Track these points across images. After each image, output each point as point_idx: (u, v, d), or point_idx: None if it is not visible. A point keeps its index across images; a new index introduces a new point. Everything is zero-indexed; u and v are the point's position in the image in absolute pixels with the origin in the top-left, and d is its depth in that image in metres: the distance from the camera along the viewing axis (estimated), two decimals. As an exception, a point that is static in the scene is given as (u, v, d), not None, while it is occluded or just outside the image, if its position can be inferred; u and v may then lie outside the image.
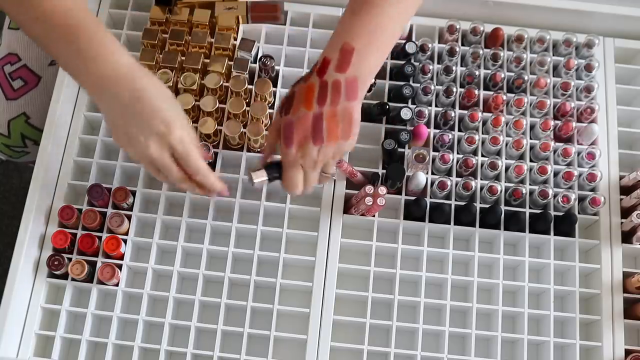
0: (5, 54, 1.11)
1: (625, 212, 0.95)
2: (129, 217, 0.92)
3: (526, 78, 0.99)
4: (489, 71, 1.00)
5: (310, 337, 0.88)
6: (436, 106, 1.00)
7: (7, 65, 1.10)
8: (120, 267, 0.90)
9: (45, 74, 1.10)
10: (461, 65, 1.02)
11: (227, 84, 0.96)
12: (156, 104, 0.78)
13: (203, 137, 0.95)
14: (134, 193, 0.93)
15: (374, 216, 0.94)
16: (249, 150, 0.96)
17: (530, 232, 0.94)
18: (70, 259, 0.89)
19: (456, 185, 0.94)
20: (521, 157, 0.97)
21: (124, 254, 0.91)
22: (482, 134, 0.98)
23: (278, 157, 0.82)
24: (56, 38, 0.78)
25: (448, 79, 1.00)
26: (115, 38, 0.79)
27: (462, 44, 1.03)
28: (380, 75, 1.00)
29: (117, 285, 0.90)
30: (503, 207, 0.94)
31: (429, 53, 1.01)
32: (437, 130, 0.97)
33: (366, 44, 0.78)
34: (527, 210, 0.94)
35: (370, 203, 0.89)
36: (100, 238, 0.91)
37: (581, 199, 0.95)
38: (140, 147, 0.78)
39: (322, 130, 0.79)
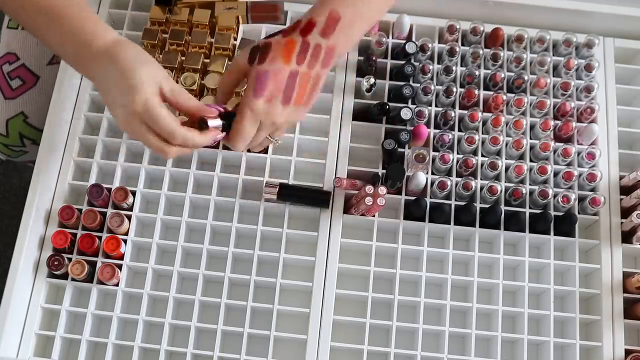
0: (3, 53, 1.11)
1: (625, 212, 0.95)
2: (129, 217, 0.92)
3: (526, 78, 1.00)
4: (489, 71, 1.00)
5: (310, 337, 0.88)
6: (436, 106, 1.00)
7: (6, 65, 1.10)
8: (120, 267, 0.90)
9: (44, 73, 1.10)
10: (461, 65, 1.02)
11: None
12: (125, 70, 0.75)
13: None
14: (134, 193, 0.93)
15: (374, 216, 0.94)
16: (248, 151, 0.96)
17: (530, 232, 0.94)
18: (70, 259, 0.89)
19: (456, 185, 0.94)
20: (521, 157, 0.97)
21: (124, 254, 0.91)
22: (482, 134, 0.98)
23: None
24: (43, 22, 0.79)
25: (448, 79, 1.00)
26: (98, 17, 0.81)
27: (462, 44, 1.03)
28: (380, 75, 1.00)
29: (117, 285, 0.90)
30: (503, 207, 0.94)
31: (429, 53, 1.01)
32: (437, 130, 0.97)
33: (352, 15, 0.80)
34: (527, 210, 0.94)
35: (370, 203, 0.89)
36: (100, 238, 0.91)
37: (581, 199, 0.95)
38: (116, 119, 0.77)
39: (293, 89, 0.79)
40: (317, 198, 0.93)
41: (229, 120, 0.80)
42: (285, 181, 0.94)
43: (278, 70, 0.79)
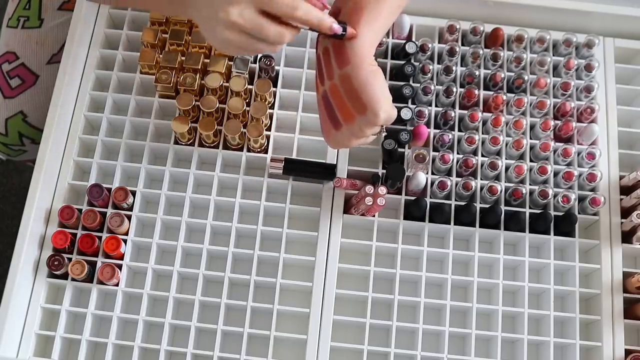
0: (3, 52, 1.11)
1: (625, 212, 0.95)
2: (129, 217, 0.92)
3: (526, 78, 1.00)
4: (489, 71, 1.00)
5: (310, 337, 0.88)
6: (436, 106, 1.00)
7: (5, 64, 1.10)
8: (120, 267, 0.90)
9: (43, 72, 1.10)
10: (461, 65, 1.02)
11: (227, 84, 0.96)
12: None
13: (203, 138, 0.95)
14: (134, 193, 0.93)
15: (374, 216, 0.94)
16: (249, 150, 0.96)
17: (530, 232, 0.94)
18: (70, 259, 0.89)
19: (456, 185, 0.94)
20: (521, 157, 0.97)
21: (124, 254, 0.91)
22: (482, 134, 0.98)
23: None
24: None
25: (448, 79, 1.00)
26: None
27: (462, 44, 1.03)
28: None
29: (117, 285, 0.90)
30: (503, 207, 0.94)
31: (429, 53, 1.01)
32: (437, 130, 0.97)
33: (353, 3, 0.73)
34: (527, 210, 0.94)
35: (370, 203, 0.89)
36: (100, 238, 0.91)
37: (581, 199, 0.95)
38: (220, 43, 0.72)
39: (333, 109, 0.74)
40: (322, 171, 0.93)
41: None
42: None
43: (317, 102, 0.77)
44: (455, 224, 0.94)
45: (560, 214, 0.94)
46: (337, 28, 0.71)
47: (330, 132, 0.78)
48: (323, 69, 0.75)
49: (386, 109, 0.73)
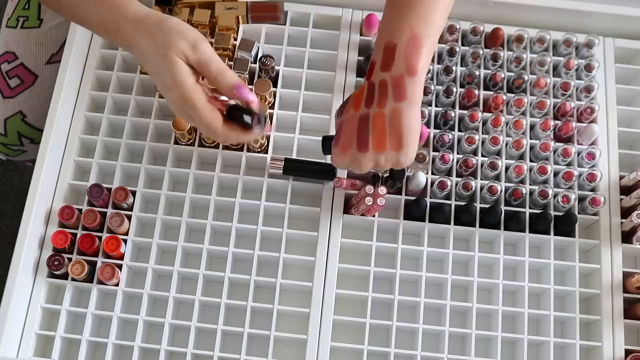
0: (2, 52, 1.11)
1: (625, 212, 0.95)
2: (129, 217, 0.92)
3: (526, 78, 1.00)
4: (489, 71, 1.00)
5: (310, 337, 0.88)
6: (436, 106, 1.00)
7: (4, 64, 1.10)
8: (120, 267, 0.90)
9: (42, 72, 1.10)
10: (461, 65, 1.02)
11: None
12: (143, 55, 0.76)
13: (204, 138, 0.95)
14: (134, 193, 0.93)
15: (374, 216, 0.94)
16: (249, 150, 0.96)
17: (530, 232, 0.94)
18: (70, 259, 0.89)
19: (456, 185, 0.94)
20: (521, 157, 0.97)
21: (124, 254, 0.91)
22: (482, 134, 0.98)
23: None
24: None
25: (448, 79, 1.00)
26: None
27: (462, 44, 1.03)
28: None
29: (117, 285, 0.90)
30: (503, 207, 0.94)
31: (429, 53, 1.01)
32: (437, 130, 0.97)
33: (409, 38, 0.76)
34: (527, 210, 0.94)
35: (370, 203, 0.89)
36: (100, 238, 0.91)
37: (581, 199, 0.95)
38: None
39: (367, 134, 0.76)
40: (322, 171, 0.93)
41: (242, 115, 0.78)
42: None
43: (349, 118, 0.78)
44: (455, 224, 0.94)
45: (560, 214, 0.94)
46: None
47: (349, 149, 0.78)
48: (375, 96, 0.77)
49: (412, 158, 0.78)
